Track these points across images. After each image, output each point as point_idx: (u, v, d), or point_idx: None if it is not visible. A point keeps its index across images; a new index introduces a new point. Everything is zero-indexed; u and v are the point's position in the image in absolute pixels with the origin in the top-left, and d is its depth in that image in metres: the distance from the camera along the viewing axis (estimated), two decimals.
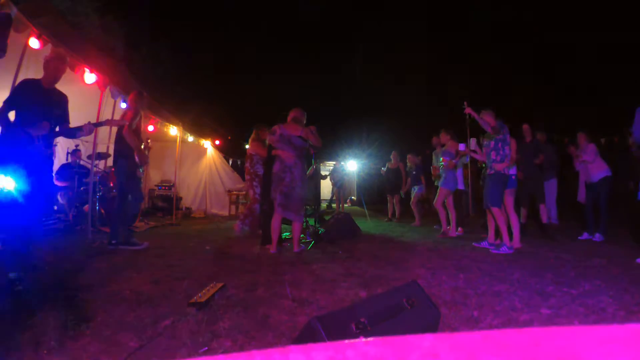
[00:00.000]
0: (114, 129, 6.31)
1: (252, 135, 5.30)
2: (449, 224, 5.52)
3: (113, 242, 3.93)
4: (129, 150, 3.96)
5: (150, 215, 7.75)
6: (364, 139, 17.56)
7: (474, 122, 4.39)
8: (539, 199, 5.39)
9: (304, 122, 4.01)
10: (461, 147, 4.84)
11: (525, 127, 5.43)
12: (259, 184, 5.13)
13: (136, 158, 4.02)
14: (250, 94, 17.25)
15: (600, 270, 3.08)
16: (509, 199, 4.28)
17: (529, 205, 5.43)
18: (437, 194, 5.37)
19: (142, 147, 4.27)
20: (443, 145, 5.61)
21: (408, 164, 7.28)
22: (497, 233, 4.30)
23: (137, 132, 4.13)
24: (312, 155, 4.75)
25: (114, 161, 4.12)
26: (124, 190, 4.08)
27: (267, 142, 5.25)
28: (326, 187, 12.81)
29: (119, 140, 4.01)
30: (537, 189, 5.36)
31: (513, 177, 4.35)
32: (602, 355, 0.25)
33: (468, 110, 4.32)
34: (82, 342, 1.63)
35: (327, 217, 6.13)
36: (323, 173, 10.16)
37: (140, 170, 4.22)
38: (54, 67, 2.93)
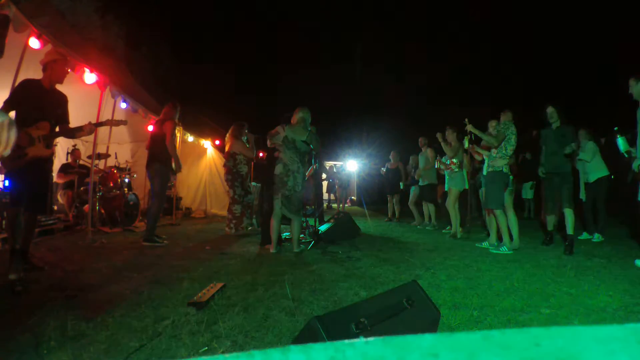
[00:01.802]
0: (115, 129, 6.34)
1: (232, 132, 5.22)
2: (448, 224, 5.53)
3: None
4: (167, 156, 4.29)
5: None
6: (364, 139, 17.57)
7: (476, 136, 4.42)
8: (563, 200, 4.21)
9: (310, 121, 3.98)
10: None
11: (550, 110, 4.29)
12: (240, 184, 5.13)
13: (173, 164, 4.36)
14: (250, 93, 17.27)
15: (600, 271, 3.08)
16: (508, 199, 4.27)
17: (558, 207, 4.35)
18: (449, 195, 5.32)
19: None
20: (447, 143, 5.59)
21: (411, 163, 7.29)
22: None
23: (175, 140, 4.55)
24: (313, 155, 4.75)
25: (149, 164, 4.36)
26: (159, 191, 4.35)
27: (246, 141, 5.23)
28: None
29: (158, 146, 4.31)
30: (565, 188, 4.19)
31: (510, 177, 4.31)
32: (602, 355, 0.25)
33: (469, 127, 4.34)
34: (82, 342, 1.63)
35: (327, 217, 6.13)
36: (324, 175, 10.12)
37: (174, 175, 4.56)
38: (52, 68, 2.92)
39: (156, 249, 4.00)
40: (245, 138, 5.33)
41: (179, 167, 4.46)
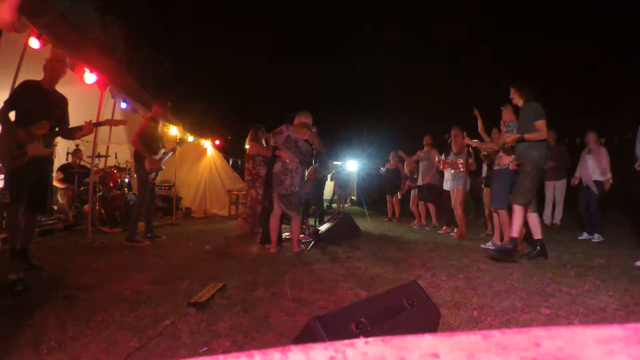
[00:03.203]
0: (114, 129, 6.34)
1: (251, 136, 5.33)
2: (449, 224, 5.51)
3: (148, 235, 4.46)
4: (141, 156, 4.25)
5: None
6: (364, 139, 17.58)
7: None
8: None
9: (311, 126, 4.01)
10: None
11: (511, 91, 3.77)
12: (262, 184, 5.17)
13: (146, 165, 4.23)
14: (251, 94, 17.26)
15: (600, 270, 3.08)
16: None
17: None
18: (455, 195, 5.29)
19: (162, 152, 4.52)
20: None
21: (406, 167, 7.27)
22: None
23: (155, 138, 4.40)
24: (314, 155, 4.76)
25: (134, 165, 4.49)
26: (138, 190, 4.43)
27: (265, 141, 5.32)
28: (327, 187, 12.82)
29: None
30: (523, 183, 3.55)
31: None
32: (602, 355, 0.25)
33: (476, 113, 4.31)
34: (82, 342, 1.63)
35: (327, 217, 6.14)
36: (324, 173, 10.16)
37: (152, 175, 4.39)
38: (53, 68, 2.92)
39: (156, 249, 4.00)
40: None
41: (152, 167, 4.28)
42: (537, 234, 3.61)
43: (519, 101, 3.70)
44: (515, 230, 3.49)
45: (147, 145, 4.24)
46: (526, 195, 3.49)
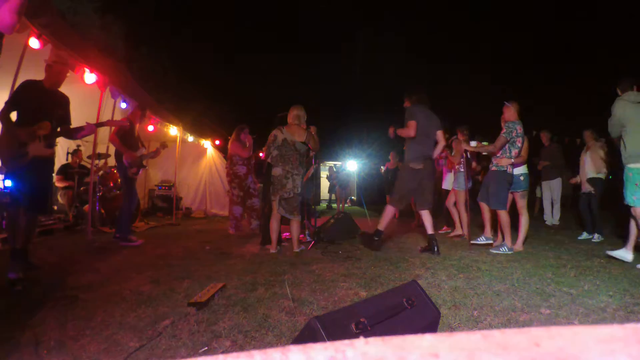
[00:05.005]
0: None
1: (233, 136, 5.30)
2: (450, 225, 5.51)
3: (116, 235, 4.36)
4: (121, 154, 4.29)
5: (150, 215, 7.76)
6: (364, 139, 17.58)
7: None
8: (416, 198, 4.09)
9: (305, 118, 3.99)
10: (472, 142, 4.73)
11: (405, 100, 4.25)
12: (238, 185, 5.16)
13: (124, 159, 4.24)
14: (251, 93, 17.27)
15: (600, 270, 3.08)
16: (520, 202, 4.22)
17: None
18: (453, 195, 5.23)
19: (142, 151, 4.49)
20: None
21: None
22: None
23: (133, 136, 4.42)
24: (312, 156, 4.76)
25: (116, 164, 4.45)
26: (124, 190, 4.45)
27: (247, 143, 5.27)
28: (325, 187, 12.86)
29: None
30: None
31: (521, 177, 4.17)
32: (602, 355, 0.25)
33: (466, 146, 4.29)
34: (82, 342, 1.63)
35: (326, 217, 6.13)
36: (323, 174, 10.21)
37: (133, 171, 4.35)
38: (56, 71, 2.92)
39: (156, 249, 4.00)
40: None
41: (133, 164, 4.26)
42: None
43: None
44: (383, 224, 4.06)
45: (125, 142, 4.27)
46: (394, 196, 4.10)
